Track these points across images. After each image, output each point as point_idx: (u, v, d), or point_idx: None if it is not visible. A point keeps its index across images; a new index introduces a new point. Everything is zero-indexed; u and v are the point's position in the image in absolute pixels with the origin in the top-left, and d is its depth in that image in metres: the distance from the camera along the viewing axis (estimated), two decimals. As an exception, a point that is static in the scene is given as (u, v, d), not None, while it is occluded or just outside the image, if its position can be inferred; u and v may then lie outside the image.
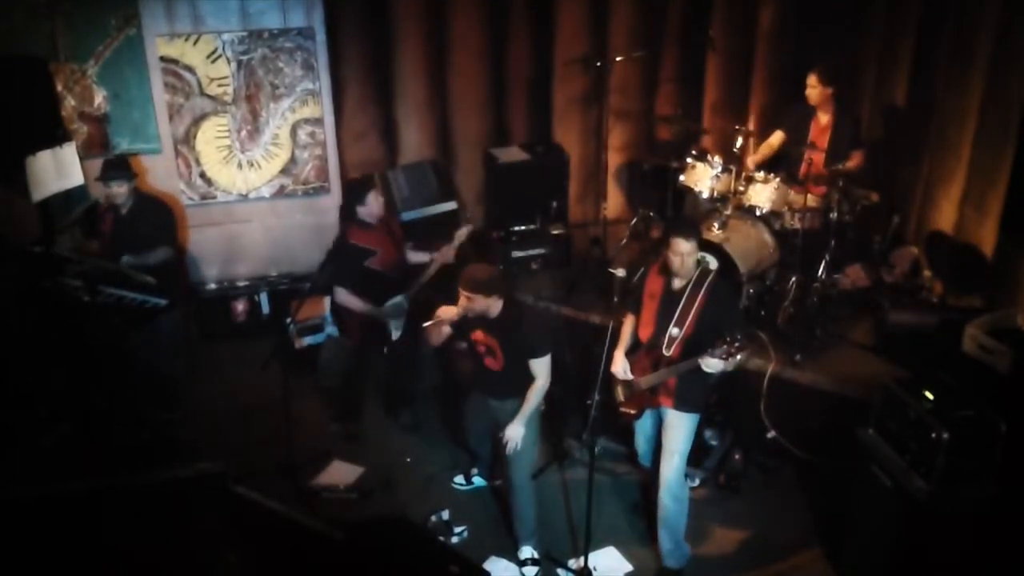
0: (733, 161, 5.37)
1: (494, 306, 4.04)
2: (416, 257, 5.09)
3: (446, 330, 4.18)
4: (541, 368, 4.09)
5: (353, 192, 4.99)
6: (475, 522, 4.61)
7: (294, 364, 5.36)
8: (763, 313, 5.27)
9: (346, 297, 4.88)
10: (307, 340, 5.56)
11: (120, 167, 5.11)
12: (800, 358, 4.94)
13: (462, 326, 4.15)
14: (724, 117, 6.58)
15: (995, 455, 3.63)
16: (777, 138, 5.61)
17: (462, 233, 4.99)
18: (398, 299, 4.90)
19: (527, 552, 4.31)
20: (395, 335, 4.98)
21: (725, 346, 3.70)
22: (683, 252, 3.88)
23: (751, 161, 5.56)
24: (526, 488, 4.28)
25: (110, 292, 4.75)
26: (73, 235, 5.21)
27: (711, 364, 3.75)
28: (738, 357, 3.76)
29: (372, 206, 4.88)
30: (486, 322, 4.08)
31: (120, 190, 5.03)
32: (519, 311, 4.18)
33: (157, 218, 5.24)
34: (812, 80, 5.38)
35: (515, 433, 4.11)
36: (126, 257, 4.94)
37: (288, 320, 4.92)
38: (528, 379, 4.11)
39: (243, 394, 5.55)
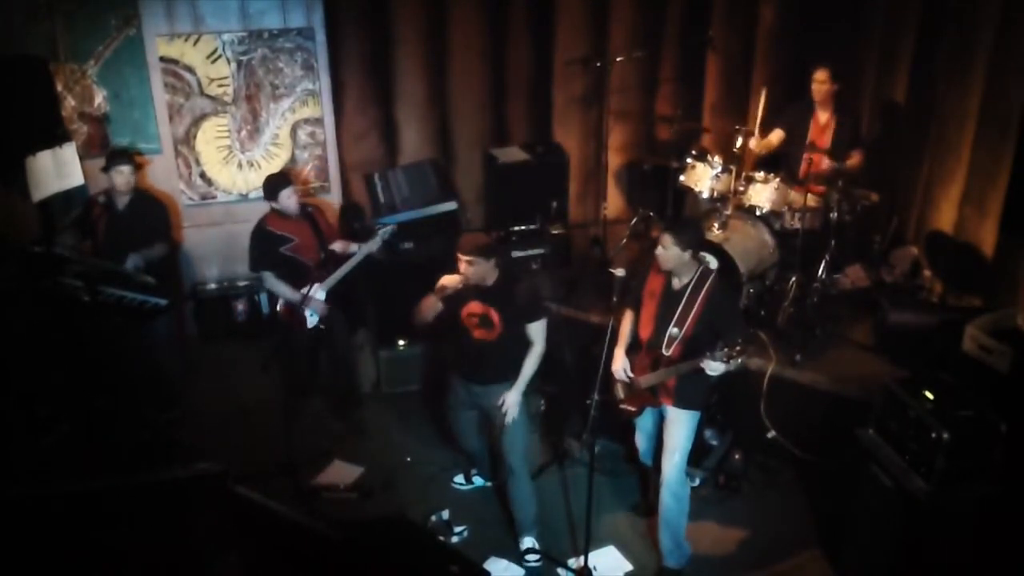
0: (733, 161, 5.37)
1: (491, 273, 4.06)
2: (343, 247, 5.14)
3: (439, 305, 4.17)
4: (538, 332, 4.13)
5: (269, 188, 5.04)
6: (475, 522, 4.60)
7: (294, 364, 5.38)
8: (763, 313, 5.27)
9: (272, 282, 5.08)
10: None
11: (124, 154, 5.24)
12: (800, 358, 4.94)
13: (456, 300, 4.14)
14: (724, 117, 6.58)
15: (995, 455, 3.63)
16: (777, 136, 5.61)
17: (385, 231, 5.10)
18: (306, 289, 4.91)
19: (528, 542, 4.32)
20: (311, 322, 5.07)
21: (727, 348, 3.70)
22: (663, 245, 3.88)
23: (754, 142, 5.51)
24: (523, 473, 4.29)
25: (110, 292, 4.75)
26: (73, 235, 5.22)
27: (713, 367, 3.74)
28: (740, 360, 3.76)
29: (284, 203, 5.00)
30: (482, 292, 4.09)
31: (123, 178, 5.11)
32: (515, 278, 4.22)
33: (153, 214, 5.31)
34: (823, 76, 5.37)
35: (513, 400, 4.14)
36: (133, 256, 4.95)
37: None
38: (519, 351, 4.14)
39: (243, 394, 5.55)
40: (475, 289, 4.09)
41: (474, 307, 4.13)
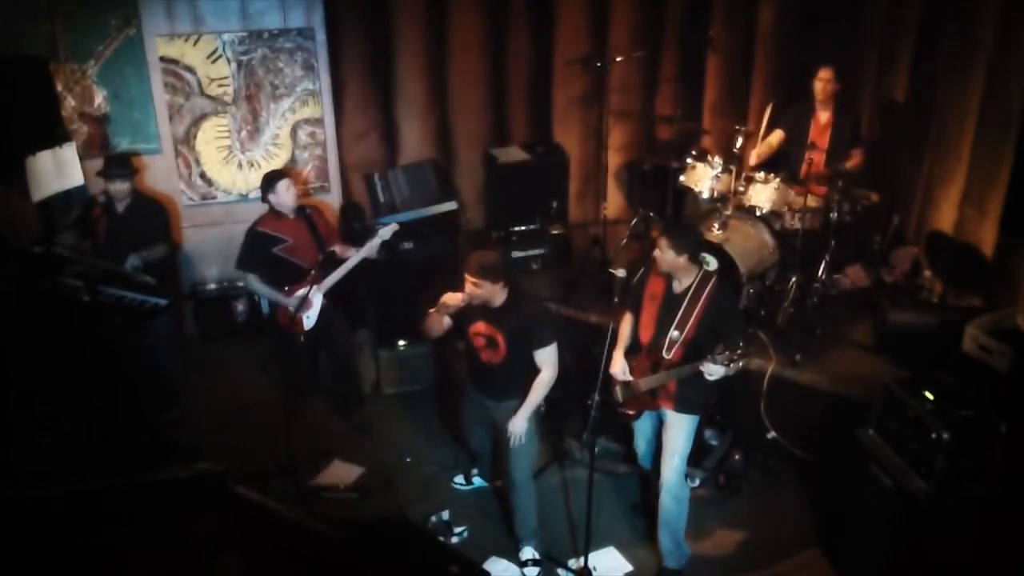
0: (733, 161, 5.37)
1: (499, 295, 3.97)
2: (341, 251, 5.11)
3: (446, 321, 4.11)
4: (547, 358, 4.03)
5: (265, 181, 5.01)
6: (475, 522, 4.61)
7: (294, 364, 5.38)
8: (763, 313, 5.27)
9: (255, 284, 5.03)
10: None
11: (122, 164, 5.21)
12: (800, 358, 4.94)
13: (463, 316, 4.09)
14: (724, 117, 6.58)
15: (995, 455, 3.63)
16: (776, 138, 5.60)
17: (386, 231, 5.05)
18: (303, 291, 4.86)
19: (528, 553, 4.30)
20: (307, 324, 5.01)
21: (728, 352, 3.69)
22: (660, 249, 3.87)
23: (754, 154, 5.52)
24: (527, 487, 4.27)
25: (110, 292, 4.75)
26: (73, 235, 5.22)
27: (713, 370, 3.74)
28: (740, 363, 3.75)
29: (283, 196, 4.95)
30: (488, 312, 4.02)
31: (123, 187, 5.11)
32: (523, 301, 4.08)
33: (153, 216, 5.31)
34: (827, 74, 5.37)
35: (519, 427, 4.08)
36: (133, 256, 4.96)
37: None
38: (527, 373, 4.06)
39: (243, 394, 5.55)
40: (482, 308, 4.02)
41: (480, 327, 4.06)
